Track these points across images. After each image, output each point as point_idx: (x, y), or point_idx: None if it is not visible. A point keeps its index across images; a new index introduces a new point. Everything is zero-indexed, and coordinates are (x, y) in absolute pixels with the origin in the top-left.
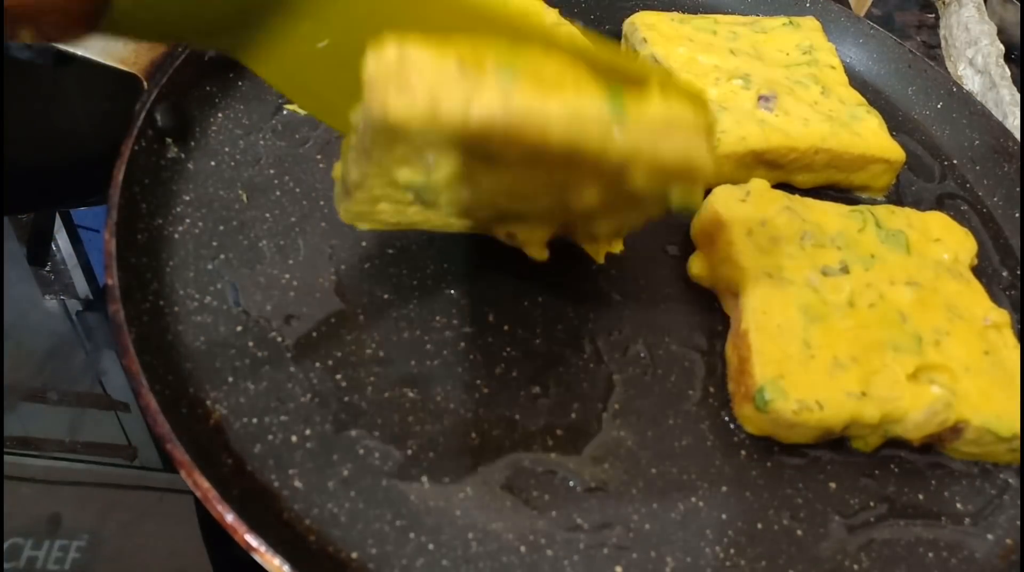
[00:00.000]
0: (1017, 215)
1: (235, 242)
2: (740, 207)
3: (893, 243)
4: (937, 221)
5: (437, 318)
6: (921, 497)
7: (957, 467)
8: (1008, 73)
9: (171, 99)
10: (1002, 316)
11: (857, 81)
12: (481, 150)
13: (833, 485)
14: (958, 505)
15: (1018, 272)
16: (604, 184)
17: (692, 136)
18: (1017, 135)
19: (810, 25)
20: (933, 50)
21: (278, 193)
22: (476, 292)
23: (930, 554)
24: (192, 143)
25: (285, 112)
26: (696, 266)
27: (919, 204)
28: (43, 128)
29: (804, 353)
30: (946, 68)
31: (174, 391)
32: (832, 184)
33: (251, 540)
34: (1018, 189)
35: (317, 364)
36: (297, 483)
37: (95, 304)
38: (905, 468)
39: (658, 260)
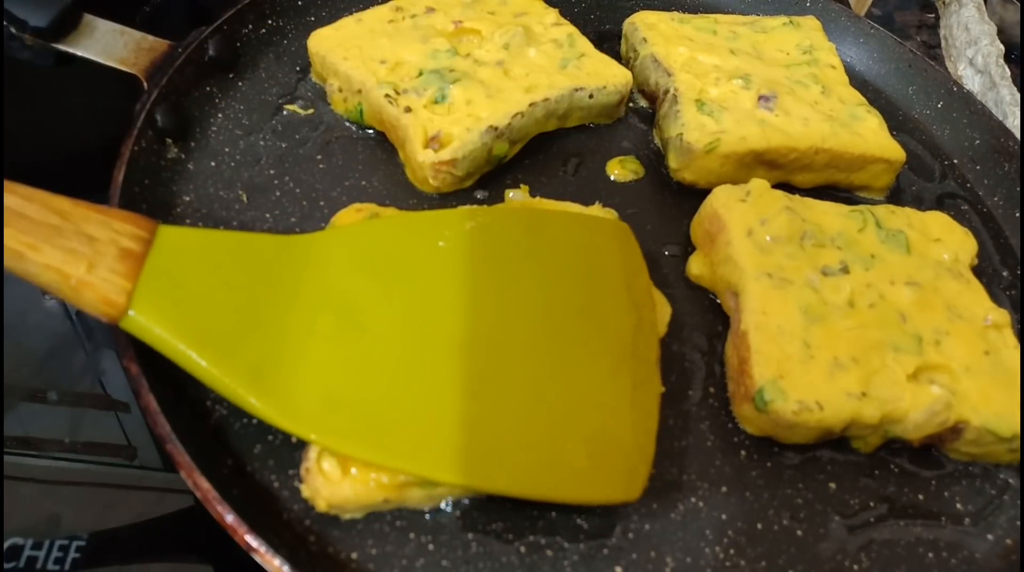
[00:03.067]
0: (1017, 215)
1: None
2: (740, 207)
3: (893, 243)
4: (937, 221)
5: None
6: (921, 497)
7: (957, 467)
8: (1008, 73)
9: (171, 99)
10: (1002, 316)
11: (857, 81)
12: None
13: (833, 485)
14: (958, 505)
15: (1018, 272)
16: None
17: None
18: (1017, 135)
19: (810, 25)
20: (933, 50)
21: (278, 193)
22: None
23: (930, 554)
24: (192, 143)
25: (285, 112)
26: (696, 266)
27: (919, 204)
28: (43, 128)
29: (804, 353)
30: (946, 68)
31: (174, 391)
32: (832, 184)
33: (251, 540)
34: (1018, 189)
35: None
36: (297, 483)
37: None
38: (905, 468)
39: (658, 260)
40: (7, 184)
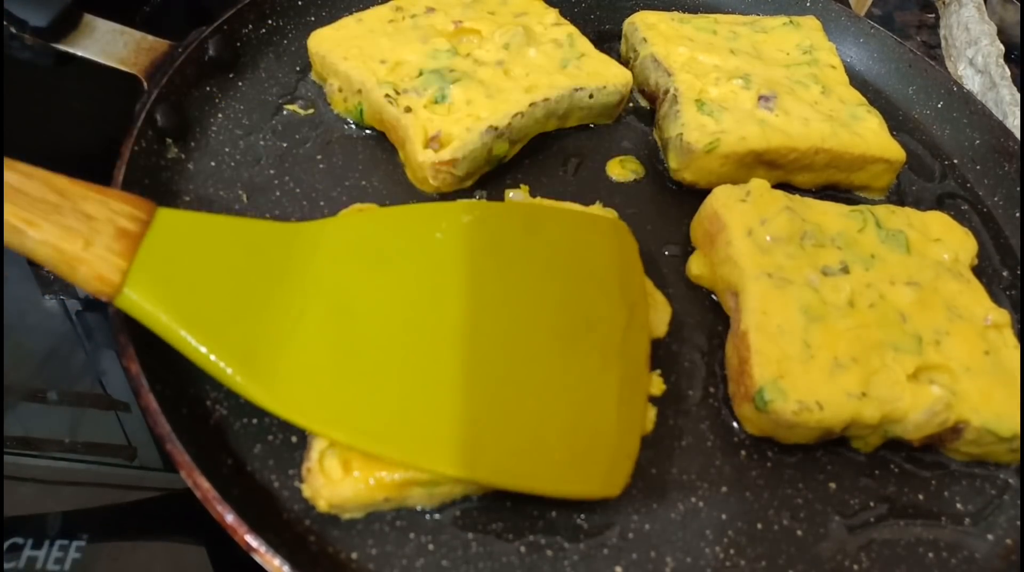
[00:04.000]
0: (1017, 215)
1: None
2: (740, 207)
3: (893, 243)
4: (937, 221)
5: None
6: (921, 497)
7: (957, 467)
8: (1008, 73)
9: (171, 99)
10: (1002, 316)
11: (857, 81)
12: None
13: (833, 485)
14: (958, 505)
15: (1018, 272)
16: None
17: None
18: (1017, 135)
19: (810, 25)
20: (933, 50)
21: (278, 193)
22: None
23: (930, 554)
24: (192, 143)
25: (285, 112)
26: (696, 266)
27: (919, 204)
28: (43, 128)
29: (804, 353)
30: (946, 68)
31: (174, 391)
32: (832, 184)
33: (251, 540)
34: (1018, 189)
35: None
36: (297, 483)
37: (95, 304)
38: (905, 468)
39: (658, 260)
40: (7, 162)
